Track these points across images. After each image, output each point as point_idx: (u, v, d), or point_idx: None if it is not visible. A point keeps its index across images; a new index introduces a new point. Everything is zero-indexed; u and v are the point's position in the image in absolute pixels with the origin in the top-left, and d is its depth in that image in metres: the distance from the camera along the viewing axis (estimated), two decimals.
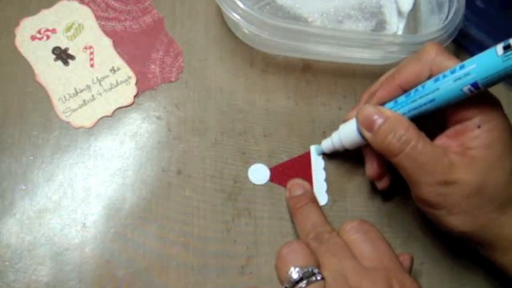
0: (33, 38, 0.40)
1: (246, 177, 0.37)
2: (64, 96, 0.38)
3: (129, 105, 0.39)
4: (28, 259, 0.34)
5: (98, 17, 0.41)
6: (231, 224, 0.36)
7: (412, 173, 0.30)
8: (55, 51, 0.40)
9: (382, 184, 0.36)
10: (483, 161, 0.29)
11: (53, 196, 0.36)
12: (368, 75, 0.42)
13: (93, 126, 0.38)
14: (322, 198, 0.37)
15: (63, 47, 0.40)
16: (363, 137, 0.33)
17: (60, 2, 0.41)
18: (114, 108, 0.39)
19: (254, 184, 0.37)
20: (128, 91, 0.39)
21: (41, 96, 0.38)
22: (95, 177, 0.37)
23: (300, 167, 0.38)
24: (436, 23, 0.39)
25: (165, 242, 0.35)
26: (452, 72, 0.29)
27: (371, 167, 0.36)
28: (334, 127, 0.40)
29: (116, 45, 0.40)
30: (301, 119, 0.40)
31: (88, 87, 0.39)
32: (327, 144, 0.37)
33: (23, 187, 0.36)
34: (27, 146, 0.37)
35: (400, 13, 0.44)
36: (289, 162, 0.38)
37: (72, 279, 0.34)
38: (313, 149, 0.39)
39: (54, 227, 0.35)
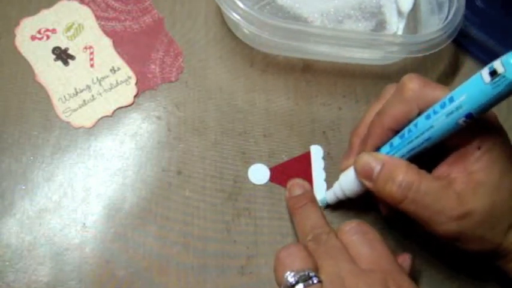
0: (33, 38, 0.40)
1: (246, 177, 0.37)
2: (64, 96, 0.38)
3: (129, 105, 0.39)
4: (28, 259, 0.34)
5: (98, 17, 0.41)
6: (231, 224, 0.36)
7: (421, 216, 0.29)
8: (55, 51, 0.40)
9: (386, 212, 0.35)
10: (488, 182, 0.29)
11: (53, 196, 0.36)
12: (368, 75, 0.42)
13: (93, 126, 0.38)
14: (323, 199, 0.37)
15: (63, 47, 0.40)
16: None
17: (60, 2, 0.41)
18: (114, 108, 0.39)
19: (254, 184, 0.37)
20: (128, 91, 0.39)
21: (41, 96, 0.38)
22: (95, 177, 0.37)
23: (300, 167, 0.38)
24: (436, 23, 0.39)
25: (165, 242, 0.35)
26: (443, 106, 0.28)
27: (385, 207, 0.35)
28: (334, 127, 0.40)
29: (116, 45, 0.40)
30: (301, 119, 0.40)
31: (88, 87, 0.39)
32: (330, 196, 0.36)
33: (23, 187, 0.36)
34: (27, 146, 0.37)
35: (400, 13, 0.44)
36: (289, 162, 0.38)
37: (72, 279, 0.34)
38: (313, 149, 0.38)
39: (54, 227, 0.35)
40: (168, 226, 0.36)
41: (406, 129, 0.30)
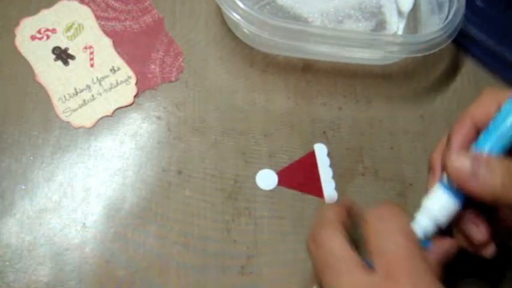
0: (33, 38, 0.40)
1: (246, 177, 0.37)
2: (64, 96, 0.38)
3: (129, 105, 0.39)
4: (28, 259, 0.34)
5: (98, 17, 0.41)
6: (231, 224, 0.36)
7: None
8: (55, 51, 0.40)
9: (490, 250, 0.29)
10: None
11: (53, 196, 0.36)
12: (368, 75, 0.42)
13: (93, 126, 0.38)
14: (333, 196, 0.37)
15: (63, 47, 0.40)
16: (463, 197, 0.27)
17: (60, 2, 0.41)
18: (114, 108, 0.39)
19: (263, 190, 0.37)
20: (128, 91, 0.39)
21: (41, 96, 0.38)
22: (95, 177, 0.37)
23: (307, 167, 0.38)
24: (436, 23, 0.39)
25: (165, 241, 0.35)
26: None
27: (479, 231, 0.28)
28: (334, 127, 0.40)
29: (116, 45, 0.40)
30: (301, 119, 0.40)
31: (88, 87, 0.39)
32: (423, 231, 0.27)
33: (23, 187, 0.36)
34: (27, 146, 0.37)
35: (400, 13, 0.44)
36: (295, 164, 0.38)
37: (72, 279, 0.34)
38: (317, 148, 0.38)
39: (54, 227, 0.35)
40: (168, 226, 0.36)
41: (490, 122, 0.27)
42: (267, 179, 0.37)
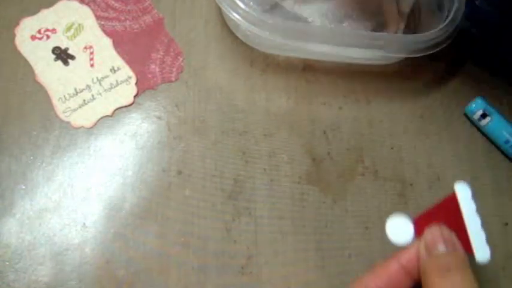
0: (33, 37, 0.40)
1: (246, 177, 0.37)
2: (64, 96, 0.38)
3: (129, 105, 0.39)
4: (28, 259, 0.34)
5: (98, 17, 0.41)
6: (231, 224, 0.36)
7: None
8: (55, 51, 0.40)
9: None
10: None
11: (53, 196, 0.36)
12: (368, 75, 0.42)
13: (93, 126, 0.38)
14: (484, 252, 0.28)
15: (63, 47, 0.40)
16: None
17: (60, 2, 0.41)
18: (114, 108, 0.39)
19: (397, 245, 0.28)
20: (128, 91, 0.39)
21: (41, 96, 0.38)
22: (95, 177, 0.37)
23: (448, 214, 0.29)
24: (436, 23, 0.39)
25: (165, 242, 0.35)
26: None
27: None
28: (335, 127, 0.40)
29: (116, 45, 0.40)
30: (301, 119, 0.40)
31: (88, 87, 0.39)
32: None
33: (23, 187, 0.36)
34: (27, 145, 0.37)
35: (400, 13, 0.44)
36: (434, 209, 0.29)
37: (72, 279, 0.34)
38: (459, 189, 0.29)
39: (54, 227, 0.35)
40: (168, 226, 0.36)
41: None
42: (400, 229, 0.29)
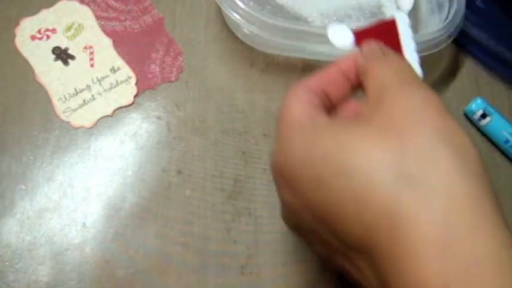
0: (33, 38, 0.40)
1: (246, 177, 0.37)
2: (64, 96, 0.38)
3: (129, 105, 0.39)
4: (28, 259, 0.34)
5: (98, 17, 0.41)
6: (231, 224, 0.36)
7: None
8: (55, 51, 0.40)
9: None
10: None
11: (53, 196, 0.36)
12: None
13: (93, 126, 0.38)
14: (417, 71, 0.30)
15: (63, 47, 0.40)
16: None
17: (60, 2, 0.41)
18: (114, 108, 0.39)
19: (336, 47, 0.30)
20: (128, 91, 0.39)
21: (41, 96, 0.38)
22: (95, 177, 0.37)
23: (387, 34, 0.30)
24: (436, 23, 0.39)
25: (165, 242, 0.35)
26: None
27: None
28: None
29: (116, 45, 0.40)
30: None
31: (88, 87, 0.39)
32: None
33: (23, 187, 0.36)
34: (27, 146, 0.37)
35: None
36: (373, 28, 0.30)
37: (72, 279, 0.34)
38: (398, 16, 0.30)
39: (54, 227, 0.35)
40: (168, 226, 0.36)
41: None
42: (340, 35, 0.30)
